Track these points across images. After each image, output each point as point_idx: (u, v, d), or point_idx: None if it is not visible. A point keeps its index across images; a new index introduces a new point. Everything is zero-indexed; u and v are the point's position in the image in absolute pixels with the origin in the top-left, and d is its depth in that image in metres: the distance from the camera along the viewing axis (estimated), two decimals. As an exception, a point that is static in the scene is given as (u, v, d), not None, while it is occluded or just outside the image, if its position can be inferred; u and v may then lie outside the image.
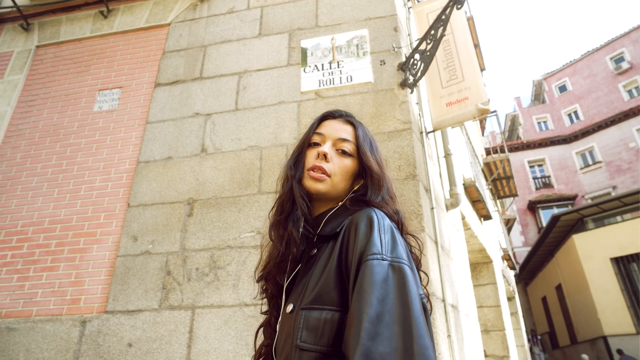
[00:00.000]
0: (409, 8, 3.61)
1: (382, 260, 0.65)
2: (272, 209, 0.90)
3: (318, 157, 0.86)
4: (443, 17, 2.35)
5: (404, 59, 2.91)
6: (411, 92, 2.83)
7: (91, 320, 2.53)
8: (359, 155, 0.88)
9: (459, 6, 2.17)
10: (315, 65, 3.07)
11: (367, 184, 0.86)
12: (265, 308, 0.89)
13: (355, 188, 0.88)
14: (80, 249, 2.78)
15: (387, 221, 0.74)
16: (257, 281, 0.89)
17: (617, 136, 19.73)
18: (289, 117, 2.94)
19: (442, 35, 2.35)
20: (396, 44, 2.97)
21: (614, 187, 18.99)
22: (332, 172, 0.84)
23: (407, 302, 0.60)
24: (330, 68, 3.02)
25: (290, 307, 0.73)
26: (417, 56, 2.69)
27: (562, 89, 23.18)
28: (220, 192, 2.78)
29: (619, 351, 11.72)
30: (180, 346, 2.41)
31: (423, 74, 2.63)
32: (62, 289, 2.66)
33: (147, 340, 2.45)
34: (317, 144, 0.89)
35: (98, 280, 2.66)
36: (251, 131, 2.95)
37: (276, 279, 0.83)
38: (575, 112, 22.10)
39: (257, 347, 0.87)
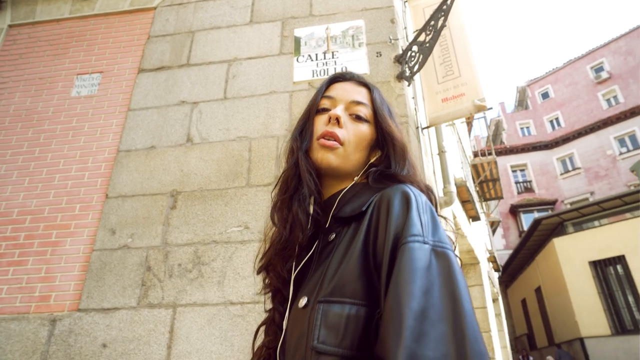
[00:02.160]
0: (404, 2, 3.52)
1: (424, 243, 0.53)
2: (274, 188, 0.76)
3: (329, 122, 0.72)
4: (444, 7, 2.26)
5: (400, 52, 2.81)
6: (408, 85, 2.74)
7: (62, 318, 2.35)
8: (376, 121, 0.75)
9: (462, -6, 2.08)
10: (309, 55, 2.94)
11: (388, 154, 0.73)
12: (269, 305, 0.75)
13: (371, 161, 0.75)
14: (51, 242, 2.59)
15: (425, 199, 0.61)
16: (257, 272, 0.74)
17: (595, 143, 20.25)
18: (280, 107, 2.81)
19: (443, 26, 2.26)
20: (393, 35, 2.87)
21: (592, 193, 19.47)
22: (345, 139, 0.71)
23: (455, 295, 0.48)
24: (325, 58, 2.91)
25: (304, 301, 0.59)
26: (415, 48, 2.60)
27: (545, 95, 23.67)
28: (206, 184, 2.62)
29: (558, 345, 12.31)
30: (159, 347, 2.25)
31: (421, 66, 2.53)
32: (31, 285, 2.46)
33: (124, 341, 2.28)
34: (326, 110, 0.76)
35: (71, 275, 2.47)
36: (240, 121, 2.80)
37: (278, 269, 0.69)
38: (557, 119, 22.59)
39: (256, 348, 0.73)
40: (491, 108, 2.89)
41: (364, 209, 0.63)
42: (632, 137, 19.25)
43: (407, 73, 2.69)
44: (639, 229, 11.39)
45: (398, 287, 0.49)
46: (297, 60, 2.94)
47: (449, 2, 2.20)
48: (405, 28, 3.29)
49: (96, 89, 3.11)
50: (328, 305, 0.55)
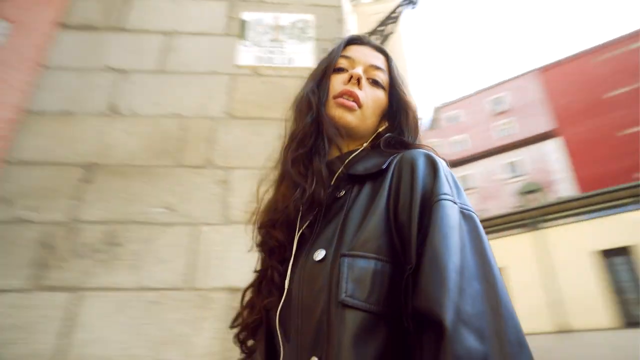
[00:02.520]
0: (353, 6, 3.63)
1: (454, 203, 0.55)
2: (286, 145, 0.73)
3: (349, 81, 0.71)
4: (393, 14, 2.38)
5: (345, 53, 2.88)
6: (350, 86, 2.82)
7: None
8: (391, 89, 0.76)
9: (413, 6, 2.21)
10: (255, 41, 2.87)
11: (400, 123, 0.74)
12: (258, 266, 0.72)
13: (379, 130, 0.75)
14: None
15: (446, 164, 0.63)
16: (260, 227, 0.71)
17: (488, 167, 22.92)
18: (219, 89, 2.69)
19: (391, 33, 2.37)
20: (339, 35, 2.93)
21: (483, 211, 21.91)
22: (364, 102, 0.71)
23: (485, 256, 0.50)
24: (271, 47, 2.86)
25: (320, 254, 0.57)
26: (361, 51, 2.68)
27: (454, 119, 26.11)
28: (130, 160, 2.40)
29: None
30: (54, 335, 1.99)
31: (365, 69, 2.62)
32: None
33: (10, 328, 1.98)
34: (343, 70, 0.75)
35: (-53, 249, 2.08)
36: (175, 97, 2.62)
37: (293, 224, 0.66)
38: (463, 141, 25.05)
39: (245, 304, 0.70)
40: (421, 118, 3.10)
41: (383, 167, 0.63)
42: (519, 165, 22.15)
43: (351, 74, 2.77)
44: (519, 244, 13.13)
45: (436, 241, 0.50)
46: (243, 44, 2.85)
47: (399, 10, 2.31)
48: (349, 31, 3.38)
49: (3, 39, 2.67)
50: (352, 259, 0.53)
